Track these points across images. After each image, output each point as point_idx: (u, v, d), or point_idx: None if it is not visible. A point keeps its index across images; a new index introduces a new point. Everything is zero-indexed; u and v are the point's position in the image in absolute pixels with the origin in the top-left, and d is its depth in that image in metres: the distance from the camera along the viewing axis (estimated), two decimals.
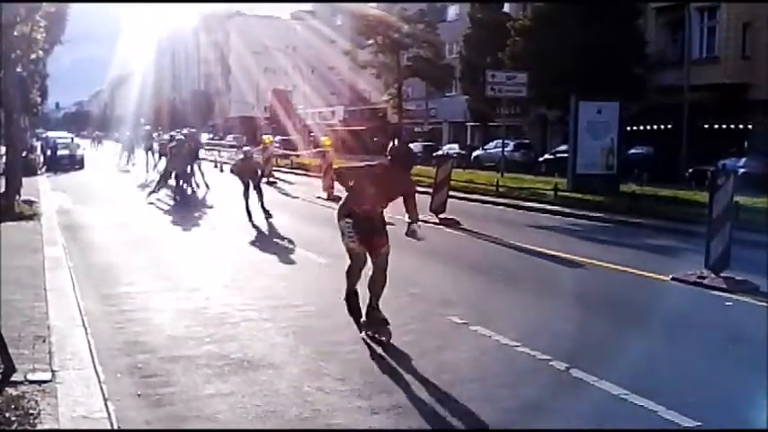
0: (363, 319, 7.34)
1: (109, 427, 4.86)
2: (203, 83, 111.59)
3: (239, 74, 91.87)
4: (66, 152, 37.09)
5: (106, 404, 5.20)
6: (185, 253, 12.66)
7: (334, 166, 9.90)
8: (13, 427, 4.72)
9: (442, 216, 16.74)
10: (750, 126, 33.43)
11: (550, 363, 6.48)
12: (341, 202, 7.33)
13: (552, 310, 8.82)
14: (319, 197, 22.02)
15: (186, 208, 19.16)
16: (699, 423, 5.18)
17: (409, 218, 7.35)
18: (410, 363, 6.51)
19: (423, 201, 17.62)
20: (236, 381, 5.97)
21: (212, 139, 73.01)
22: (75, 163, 36.48)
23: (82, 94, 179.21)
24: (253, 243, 13.76)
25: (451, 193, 18.33)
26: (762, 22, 33.85)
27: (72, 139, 41.52)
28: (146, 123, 42.28)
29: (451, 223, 16.32)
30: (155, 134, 32.18)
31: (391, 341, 7.07)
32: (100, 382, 5.63)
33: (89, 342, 6.61)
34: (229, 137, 74.60)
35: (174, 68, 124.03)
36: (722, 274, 10.18)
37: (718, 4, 34.52)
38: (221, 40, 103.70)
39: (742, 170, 24.95)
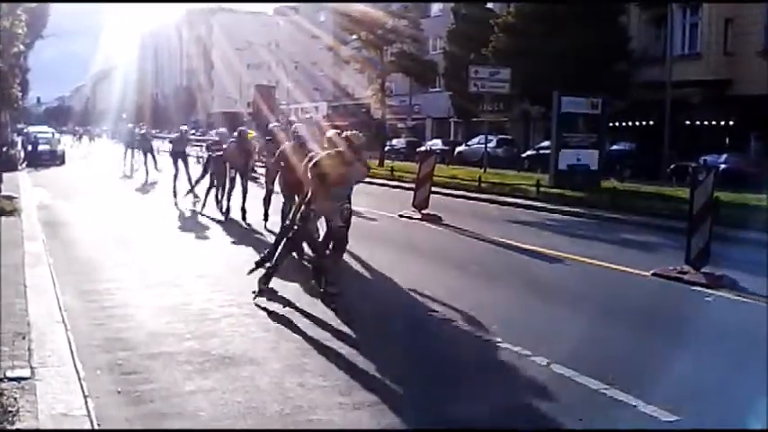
0: None
1: (88, 425, 4.83)
2: (186, 78, 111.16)
3: (222, 69, 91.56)
4: (47, 147, 36.80)
5: (86, 401, 5.17)
6: (166, 249, 12.61)
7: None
8: None
9: (424, 212, 16.75)
10: (732, 122, 33.64)
11: (531, 358, 6.51)
12: None
13: (533, 305, 8.86)
14: None
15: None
16: (678, 417, 5.21)
17: None
18: (392, 359, 6.51)
19: (406, 196, 17.77)
20: (217, 377, 5.95)
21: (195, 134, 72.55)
22: (56, 158, 36.25)
23: (63, 88, 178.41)
24: (234, 239, 13.71)
25: (434, 188, 18.34)
26: (743, 18, 34.08)
27: (53, 134, 41.21)
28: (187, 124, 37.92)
29: (434, 219, 16.33)
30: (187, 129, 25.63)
31: (373, 337, 7.09)
32: (79, 379, 5.60)
33: (69, 339, 6.57)
34: (212, 132, 74.24)
35: (157, 64, 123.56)
36: (702, 270, 10.24)
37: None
38: (204, 36, 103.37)
39: (723, 166, 25.19)
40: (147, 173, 27.30)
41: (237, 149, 15.99)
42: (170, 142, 24.54)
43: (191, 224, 15.78)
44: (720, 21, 34.57)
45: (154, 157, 28.27)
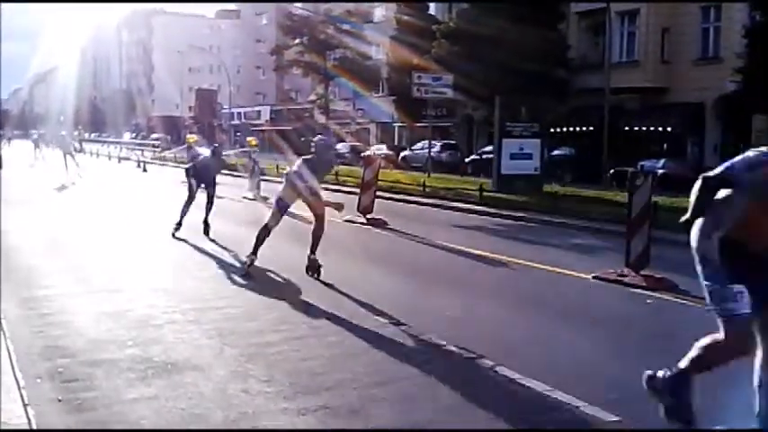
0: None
1: None
2: (125, 81, 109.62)
3: (163, 72, 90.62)
4: None
5: (26, 410, 5.06)
6: (108, 254, 12.39)
7: None
8: None
9: (369, 216, 16.77)
10: (669, 128, 34.38)
11: (477, 361, 6.55)
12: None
13: (478, 308, 8.92)
14: (245, 197, 21.85)
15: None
16: (619, 418, 5.30)
17: None
18: (337, 363, 6.49)
19: (350, 201, 17.77)
20: (160, 384, 5.87)
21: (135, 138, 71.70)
22: None
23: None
24: (176, 244, 13.55)
25: (379, 193, 18.37)
26: (679, 27, 34.93)
27: None
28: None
29: (379, 223, 16.37)
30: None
31: (318, 342, 7.07)
32: (19, 387, 5.47)
33: (8, 347, 6.43)
34: (153, 136, 73.28)
35: (96, 66, 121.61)
36: (642, 272, 10.42)
37: (637, 9, 35.47)
38: (145, 38, 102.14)
39: (660, 171, 25.74)
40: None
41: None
42: (192, 160, 15.68)
43: (135, 230, 15.55)
44: (657, 30, 35.40)
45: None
